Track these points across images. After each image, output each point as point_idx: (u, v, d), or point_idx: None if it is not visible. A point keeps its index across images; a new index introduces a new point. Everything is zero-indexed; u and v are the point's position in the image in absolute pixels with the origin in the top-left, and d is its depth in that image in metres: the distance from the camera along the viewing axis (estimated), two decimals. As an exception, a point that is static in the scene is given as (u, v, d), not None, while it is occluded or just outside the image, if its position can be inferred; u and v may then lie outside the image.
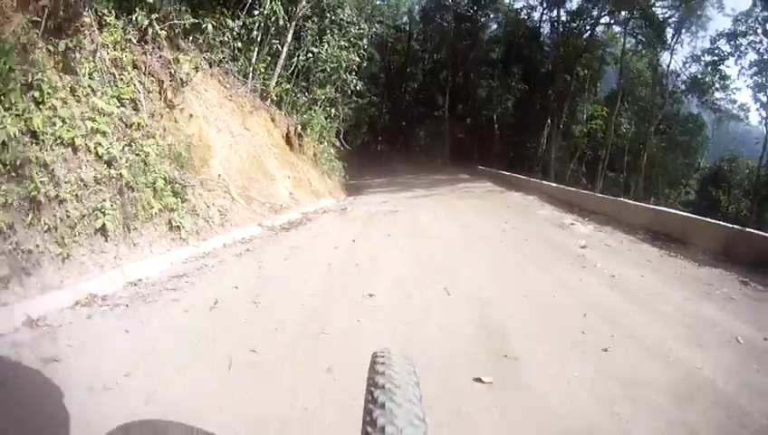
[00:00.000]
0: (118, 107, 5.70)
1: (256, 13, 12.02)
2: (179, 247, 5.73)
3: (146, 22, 6.71)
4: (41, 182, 4.21)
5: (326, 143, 16.17)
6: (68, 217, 4.45)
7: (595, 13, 27.51)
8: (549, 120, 28.12)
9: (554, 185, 14.32)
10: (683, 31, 26.78)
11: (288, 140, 13.23)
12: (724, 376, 3.12)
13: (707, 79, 27.61)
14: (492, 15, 33.63)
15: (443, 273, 5.53)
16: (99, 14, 6.10)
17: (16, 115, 4.28)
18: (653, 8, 26.27)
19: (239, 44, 11.37)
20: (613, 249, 7.10)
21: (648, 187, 28.18)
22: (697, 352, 3.51)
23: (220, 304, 4.28)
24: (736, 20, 26.54)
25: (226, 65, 11.12)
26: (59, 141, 4.63)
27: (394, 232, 8.34)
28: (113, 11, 6.34)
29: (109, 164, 5.05)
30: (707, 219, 7.65)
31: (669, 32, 27.09)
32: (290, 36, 13.61)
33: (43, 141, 4.47)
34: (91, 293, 4.16)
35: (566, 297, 4.75)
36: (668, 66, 27.73)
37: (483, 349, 3.50)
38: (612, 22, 28.34)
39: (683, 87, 28.81)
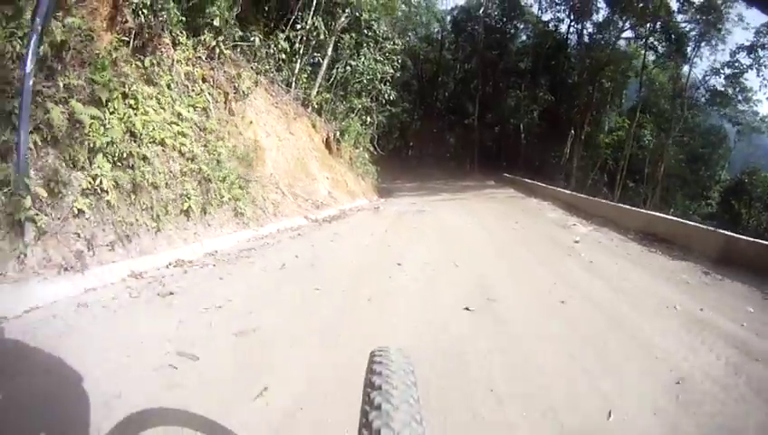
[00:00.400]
0: (193, 114, 6.87)
1: (299, 27, 13.18)
2: (243, 230, 6.88)
3: (213, 42, 7.91)
4: (141, 172, 5.37)
5: (361, 148, 17.29)
6: (161, 199, 5.60)
7: (620, 24, 27.92)
8: (572, 131, 28.61)
9: (567, 192, 14.80)
10: (702, 44, 26.89)
11: (327, 145, 14.38)
12: (648, 323, 4.21)
13: (729, 91, 27.63)
14: (521, 26, 34.31)
15: (455, 254, 6.75)
16: (173, 34, 7.30)
17: (119, 119, 5.45)
18: (674, 22, 26.58)
19: (283, 56, 12.53)
20: (602, 244, 8.06)
21: (666, 197, 28.07)
22: (634, 309, 4.61)
23: (287, 266, 5.56)
24: (758, 32, 26.57)
25: (272, 75, 12.25)
26: (153, 140, 5.79)
27: (420, 226, 9.40)
28: (185, 32, 7.54)
29: (191, 160, 6.23)
30: (689, 222, 8.48)
31: (690, 45, 27.26)
32: (329, 49, 14.79)
33: (141, 140, 5.63)
34: (179, 258, 5.30)
35: (546, 273, 5.91)
36: (687, 79, 27.81)
37: (475, 295, 4.79)
38: (634, 36, 28.60)
39: (703, 100, 28.81)
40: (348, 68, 15.48)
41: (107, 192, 4.83)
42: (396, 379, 0.93)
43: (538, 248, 7.46)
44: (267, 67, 11.81)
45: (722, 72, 27.52)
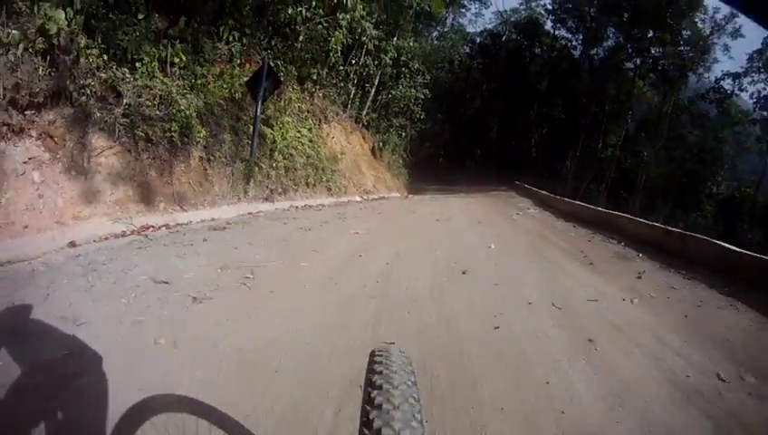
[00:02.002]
0: (305, 132, 12.35)
1: (353, 62, 18.51)
2: (331, 197, 12.34)
3: (312, 89, 13.43)
4: (290, 161, 10.83)
5: (397, 155, 22.73)
6: (297, 176, 11.08)
7: (623, 54, 32.56)
8: (571, 146, 33.34)
9: (545, 193, 19.02)
10: (688, 74, 31.28)
11: (373, 152, 19.83)
12: (518, 222, 9.28)
13: (711, 114, 31.97)
14: (538, 51, 39.15)
15: (447, 218, 11.73)
16: (292, 86, 12.77)
17: (278, 134, 10.91)
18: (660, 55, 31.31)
19: (342, 84, 17.79)
20: (531, 215, 13.20)
21: (649, 205, 31.48)
22: (517, 224, 9.64)
23: (356, 213, 10.80)
24: (751, 58, 31.02)
25: (334, 98, 17.51)
26: (293, 146, 11.25)
27: (432, 207, 14.57)
28: (297, 83, 13.02)
29: (308, 157, 11.72)
30: (590, 206, 13.51)
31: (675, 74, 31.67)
32: (376, 81, 20.19)
33: (287, 145, 11.08)
34: (308, 204, 10.70)
35: (487, 227, 10.77)
36: (670, 104, 32.13)
37: (447, 221, 9.78)
38: (631, 66, 33.07)
39: (685, 121, 32.98)
40: (389, 95, 20.91)
41: (277, 168, 10.31)
42: (396, 378, 0.95)
43: (493, 220, 12.10)
44: (336, 97, 17.16)
45: (707, 97, 31.89)
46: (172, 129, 7.26)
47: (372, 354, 1.07)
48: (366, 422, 0.85)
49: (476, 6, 40.99)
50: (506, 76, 38.10)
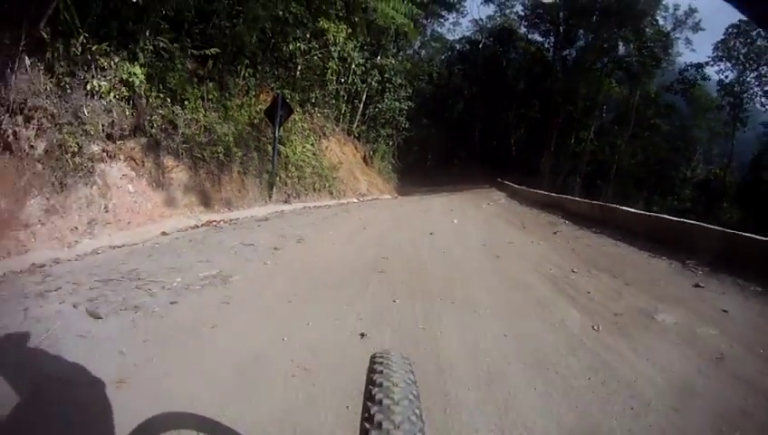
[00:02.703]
0: (309, 147, 14.71)
1: (343, 81, 20.87)
2: (333, 199, 14.71)
3: (312, 110, 15.80)
4: (300, 171, 13.18)
5: (386, 162, 25.18)
6: (307, 183, 13.45)
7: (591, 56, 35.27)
8: (545, 143, 36.00)
9: (517, 186, 21.35)
10: (652, 69, 34.12)
11: (364, 160, 22.24)
12: (484, 208, 11.71)
13: (677, 105, 34.85)
14: (513, 55, 41.79)
15: (427, 209, 14.16)
16: (296, 110, 15.12)
17: (289, 150, 13.27)
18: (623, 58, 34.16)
19: (334, 102, 20.16)
20: (500, 204, 15.66)
21: (620, 192, 33.76)
22: (481, 210, 12.07)
23: (356, 209, 13.22)
24: (716, 47, 33.96)
25: (329, 115, 19.85)
26: (299, 158, 13.61)
27: (418, 204, 16.98)
28: (298, 106, 15.37)
29: (313, 168, 14.09)
30: (549, 193, 15.89)
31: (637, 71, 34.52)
32: (364, 96, 22.61)
33: (297, 159, 13.44)
34: (317, 205, 13.04)
35: (457, 213, 13.25)
36: (635, 98, 35.03)
37: (428, 211, 12.16)
38: (599, 66, 35.73)
39: (652, 113, 35.81)
40: (376, 108, 23.36)
41: (291, 178, 12.66)
42: (396, 377, 0.98)
43: (466, 210, 14.50)
44: (330, 113, 19.55)
45: (671, 88, 34.67)
46: (218, 150, 9.64)
47: (373, 357, 1.10)
48: (367, 417, 0.89)
49: (454, 16, 43.69)
50: (485, 80, 40.72)
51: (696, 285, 5.27)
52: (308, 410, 2.57)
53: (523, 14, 41.20)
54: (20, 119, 6.40)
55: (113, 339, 3.38)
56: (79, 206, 6.84)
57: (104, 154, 7.71)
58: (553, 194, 15.41)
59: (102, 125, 7.68)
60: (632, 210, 9.01)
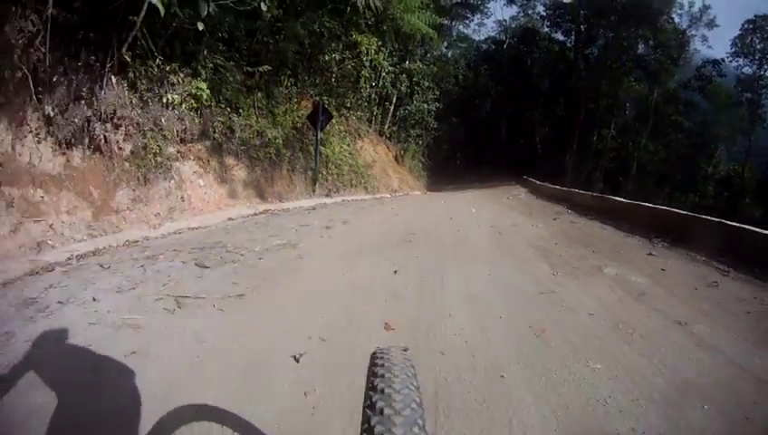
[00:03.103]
0: (345, 147, 16.07)
1: (374, 85, 22.18)
2: (368, 194, 16.03)
3: (347, 114, 17.17)
4: (339, 169, 14.55)
5: (416, 160, 26.41)
6: (345, 179, 14.81)
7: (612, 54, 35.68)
8: (568, 141, 36.52)
9: (539, 183, 22.10)
10: (669, 66, 34.24)
11: (396, 159, 23.52)
12: (505, 201, 12.81)
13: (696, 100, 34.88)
14: (537, 55, 42.44)
15: (451, 202, 15.34)
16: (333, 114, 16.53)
17: (330, 150, 14.65)
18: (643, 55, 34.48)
19: (367, 105, 21.52)
20: (519, 198, 16.61)
21: (640, 188, 33.83)
22: (501, 203, 13.16)
23: (389, 202, 14.51)
24: (734, 43, 33.97)
25: (362, 117, 21.24)
26: (337, 157, 14.97)
27: (444, 198, 18.12)
28: (335, 111, 16.75)
29: (350, 166, 15.45)
30: (563, 188, 16.77)
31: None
32: (394, 99, 23.89)
33: (336, 158, 14.81)
34: (354, 198, 14.37)
35: (478, 205, 14.38)
36: (654, 96, 35.18)
37: (445, 209, 13.36)
38: (618, 64, 36.02)
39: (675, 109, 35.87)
40: (405, 110, 24.63)
41: (331, 175, 14.03)
42: (397, 369, 1.01)
43: (490, 200, 15.83)
44: (363, 115, 20.93)
45: (689, 85, 34.79)
46: (270, 151, 11.09)
47: (374, 354, 1.10)
48: (369, 405, 0.91)
49: (478, 17, 44.67)
50: (511, 80, 41.55)
51: (650, 254, 6.62)
52: (364, 303, 4.23)
53: (544, 13, 41.83)
54: (109, 126, 7.84)
55: (224, 277, 4.77)
56: (160, 196, 8.33)
57: (178, 154, 9.21)
58: (565, 188, 16.42)
59: (176, 131, 9.16)
60: (621, 199, 10.47)
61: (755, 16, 33.68)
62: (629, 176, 35.27)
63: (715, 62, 34.95)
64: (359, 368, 2.04)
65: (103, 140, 7.68)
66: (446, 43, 39.55)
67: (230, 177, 10.01)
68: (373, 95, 21.98)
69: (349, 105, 17.62)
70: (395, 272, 5.25)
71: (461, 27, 44.47)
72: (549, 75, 40.92)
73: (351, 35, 16.02)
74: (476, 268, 5.56)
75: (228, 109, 10.76)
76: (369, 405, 0.90)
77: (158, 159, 8.40)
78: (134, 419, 2.22)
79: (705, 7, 34.16)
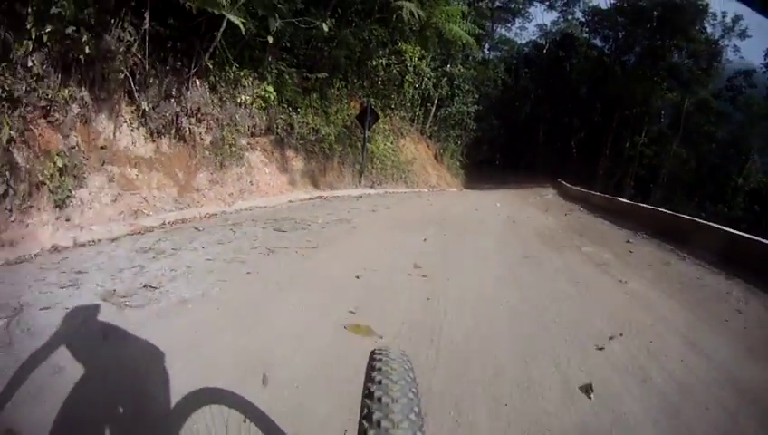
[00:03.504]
0: (388, 144, 17.56)
1: (417, 86, 23.55)
2: (408, 188, 17.48)
3: (392, 114, 18.66)
4: (383, 163, 16.05)
5: (454, 159, 27.72)
6: (388, 174, 16.30)
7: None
8: (601, 147, 36.91)
9: (569, 185, 22.80)
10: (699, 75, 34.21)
11: (435, 157, 24.89)
12: (530, 203, 14.02)
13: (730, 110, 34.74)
14: (576, 60, 42.78)
15: (481, 197, 16.61)
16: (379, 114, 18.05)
17: (375, 147, 16.18)
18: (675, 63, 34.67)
19: (410, 105, 22.96)
20: (546, 199, 17.64)
21: (670, 196, 33.84)
22: (528, 201, 14.36)
23: (426, 195, 15.93)
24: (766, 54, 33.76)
25: (404, 117, 22.71)
26: (381, 154, 16.48)
27: (476, 194, 19.39)
28: (380, 111, 18.25)
29: (392, 162, 16.93)
30: (584, 190, 17.68)
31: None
32: (435, 101, 25.25)
33: (379, 153, 16.32)
34: (396, 191, 15.84)
35: (503, 202, 15.57)
36: (685, 105, 35.16)
37: (474, 203, 14.65)
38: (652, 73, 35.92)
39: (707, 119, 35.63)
40: (446, 111, 25.95)
41: (375, 169, 15.55)
42: (395, 374, 0.97)
43: (515, 204, 16.64)
44: (405, 115, 22.39)
45: (720, 95, 34.67)
46: (324, 146, 12.69)
47: (372, 354, 1.08)
48: (366, 415, 0.87)
49: (520, 21, 45.52)
50: (551, 84, 42.11)
51: (628, 241, 8.14)
52: (400, 255, 5.82)
53: (583, 19, 42.19)
54: (193, 120, 9.49)
55: (299, 238, 6.37)
56: (233, 179, 9.99)
57: (248, 146, 10.87)
58: (585, 190, 17.51)
59: (247, 126, 10.80)
60: (624, 200, 12.26)
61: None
62: (659, 183, 35.31)
63: (747, 73, 34.66)
64: (393, 284, 4.49)
65: (188, 132, 9.34)
66: (487, 46, 40.66)
67: (290, 166, 11.64)
68: (416, 96, 23.32)
69: (393, 106, 19.10)
70: (424, 240, 6.91)
71: (503, 31, 45.34)
72: (587, 81, 41.23)
73: (397, 43, 17.51)
74: (486, 241, 7.33)
75: (289, 108, 12.38)
76: (366, 416, 0.87)
77: (233, 148, 10.05)
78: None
79: (738, 18, 33.97)
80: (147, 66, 8.17)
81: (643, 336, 3.66)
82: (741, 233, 6.90)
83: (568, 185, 23.51)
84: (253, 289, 4.19)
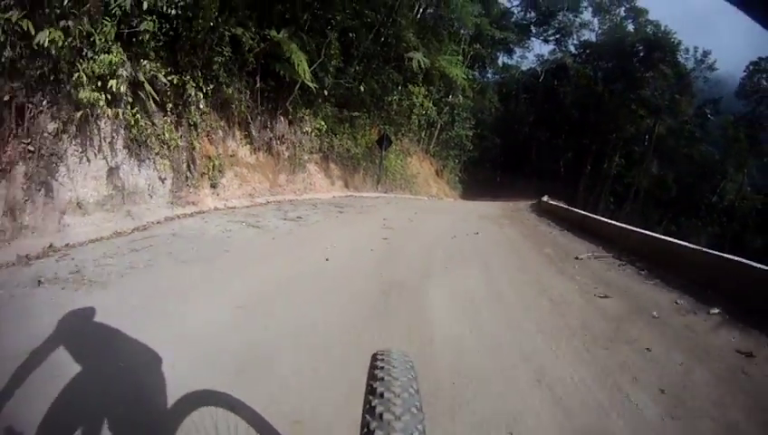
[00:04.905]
0: (399, 161, 23.35)
1: (423, 113, 29.27)
2: (412, 196, 23.17)
3: (401, 137, 24.52)
4: (395, 175, 21.84)
5: (453, 175, 33.47)
6: (399, 183, 22.10)
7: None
8: (581, 168, 42.48)
9: (547, 200, 27.31)
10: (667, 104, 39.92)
11: (437, 172, 30.63)
12: (503, 218, 19.78)
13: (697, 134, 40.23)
14: (568, 88, 48.24)
15: (466, 204, 22.23)
16: (391, 137, 23.86)
17: (389, 163, 21.98)
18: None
19: (416, 129, 28.67)
20: (519, 209, 23.21)
21: (640, 211, 38.77)
22: (501, 211, 20.08)
23: (427, 201, 21.61)
24: (741, 85, 39.21)
25: (411, 137, 28.43)
26: (393, 168, 22.27)
27: (465, 203, 24.95)
28: (394, 136, 24.04)
29: (401, 175, 22.75)
30: (553, 203, 23.32)
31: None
32: (438, 126, 30.99)
33: (391, 168, 22.10)
34: (403, 197, 21.64)
35: (483, 209, 21.23)
36: (656, 130, 40.72)
37: (459, 210, 20.36)
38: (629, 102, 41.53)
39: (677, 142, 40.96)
40: (447, 135, 31.76)
41: (388, 179, 21.36)
42: (397, 372, 1.02)
43: (498, 208, 22.55)
44: (412, 137, 28.16)
45: (688, 122, 40.28)
46: (354, 162, 18.54)
47: (375, 356, 1.13)
48: (369, 409, 0.92)
49: (521, 51, 51.48)
50: (546, 109, 47.41)
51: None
52: (402, 218, 11.65)
53: (575, 52, 48.17)
54: (278, 142, 15.29)
55: (349, 210, 12.14)
56: (299, 180, 15.79)
57: (308, 159, 16.67)
58: (554, 203, 22.57)
59: (307, 147, 16.62)
60: (580, 211, 16.04)
61: (759, 58, 38.43)
62: (632, 199, 40.62)
63: (715, 102, 40.00)
64: (398, 224, 10.37)
65: (275, 149, 15.14)
66: (490, 72, 46.70)
67: (332, 174, 17.49)
68: (422, 122, 29.08)
69: (403, 131, 24.91)
70: (415, 213, 12.89)
71: (505, 59, 51.12)
72: (578, 106, 46.52)
73: (407, 86, 23.44)
74: (448, 217, 12.94)
75: (331, 134, 18.21)
76: (369, 410, 0.92)
77: (300, 160, 15.85)
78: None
79: (706, 53, 39.84)
80: (255, 109, 13.99)
81: (490, 236, 9.38)
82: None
83: (546, 200, 28.89)
84: (334, 223, 10.01)
